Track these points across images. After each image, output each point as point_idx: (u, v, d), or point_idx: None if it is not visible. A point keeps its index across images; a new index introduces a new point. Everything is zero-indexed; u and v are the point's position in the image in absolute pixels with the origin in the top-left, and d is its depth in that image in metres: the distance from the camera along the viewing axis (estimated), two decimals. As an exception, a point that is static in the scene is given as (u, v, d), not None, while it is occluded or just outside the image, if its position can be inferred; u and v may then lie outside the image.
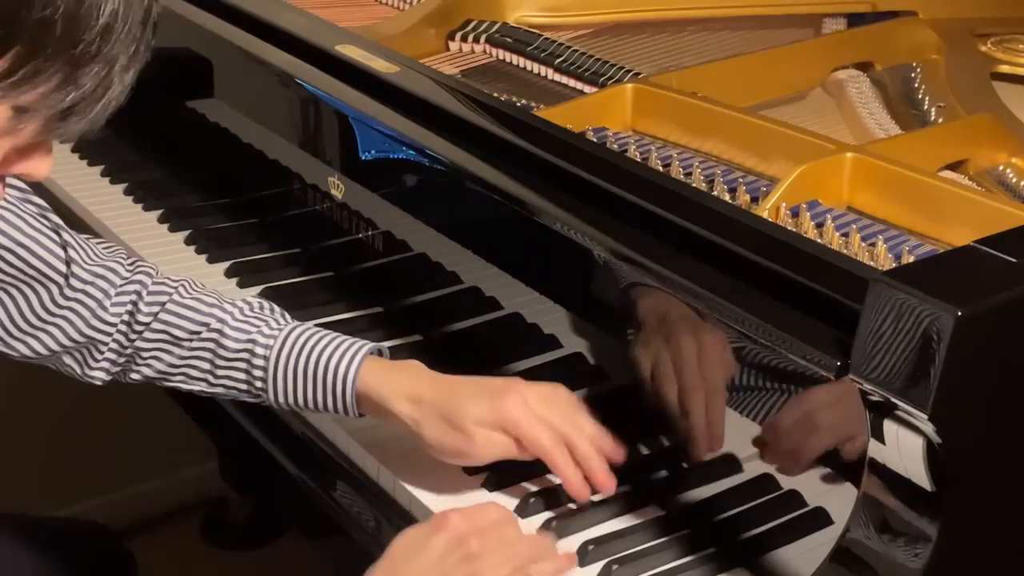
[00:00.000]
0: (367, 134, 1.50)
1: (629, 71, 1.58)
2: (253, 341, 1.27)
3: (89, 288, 1.29)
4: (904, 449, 0.99)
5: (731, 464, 1.19)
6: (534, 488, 1.25)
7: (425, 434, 1.20)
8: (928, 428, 0.97)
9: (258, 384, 1.27)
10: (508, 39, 1.71)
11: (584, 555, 1.16)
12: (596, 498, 1.22)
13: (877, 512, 1.03)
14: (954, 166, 1.43)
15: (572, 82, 1.62)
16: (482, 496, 1.24)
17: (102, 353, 1.31)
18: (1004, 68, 1.71)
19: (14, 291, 1.27)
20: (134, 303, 1.30)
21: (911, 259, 1.18)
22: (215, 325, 1.28)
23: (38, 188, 1.32)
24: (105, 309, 1.29)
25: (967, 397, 0.97)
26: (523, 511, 1.22)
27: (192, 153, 1.89)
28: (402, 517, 1.24)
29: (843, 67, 1.70)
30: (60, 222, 1.30)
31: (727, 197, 1.31)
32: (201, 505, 2.48)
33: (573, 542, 1.17)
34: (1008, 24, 1.80)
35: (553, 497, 1.23)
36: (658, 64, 1.67)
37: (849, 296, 1.02)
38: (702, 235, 1.16)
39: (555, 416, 1.20)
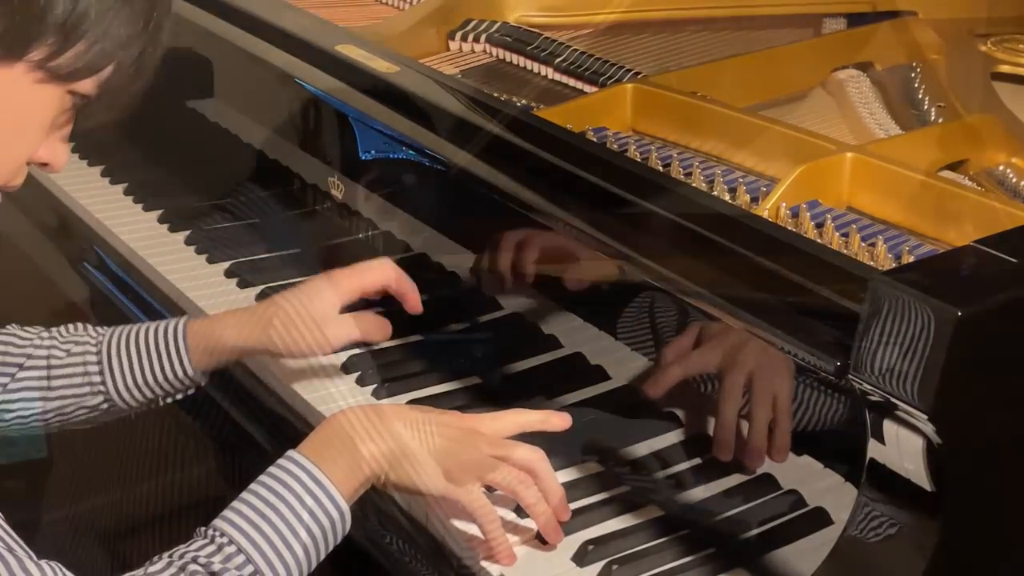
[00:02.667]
0: (367, 134, 1.50)
1: (629, 71, 1.58)
2: (85, 342, 1.33)
3: None
4: (904, 449, 0.99)
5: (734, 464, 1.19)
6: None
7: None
8: (928, 428, 0.97)
9: (95, 378, 1.32)
10: (508, 39, 1.71)
11: (584, 555, 1.15)
12: (594, 500, 1.22)
13: (877, 512, 1.03)
14: (954, 166, 1.43)
15: (572, 82, 1.62)
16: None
17: None
18: (1004, 68, 1.71)
19: None
20: None
21: (911, 259, 1.18)
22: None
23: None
24: None
25: (967, 397, 0.97)
26: (521, 512, 1.22)
27: (192, 153, 1.89)
28: (403, 513, 1.24)
29: (843, 67, 1.70)
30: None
31: (727, 197, 1.31)
32: (201, 505, 2.48)
33: (573, 542, 1.17)
34: (1008, 24, 1.80)
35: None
36: (658, 64, 1.67)
37: (849, 296, 1.02)
38: (702, 235, 1.16)
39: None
